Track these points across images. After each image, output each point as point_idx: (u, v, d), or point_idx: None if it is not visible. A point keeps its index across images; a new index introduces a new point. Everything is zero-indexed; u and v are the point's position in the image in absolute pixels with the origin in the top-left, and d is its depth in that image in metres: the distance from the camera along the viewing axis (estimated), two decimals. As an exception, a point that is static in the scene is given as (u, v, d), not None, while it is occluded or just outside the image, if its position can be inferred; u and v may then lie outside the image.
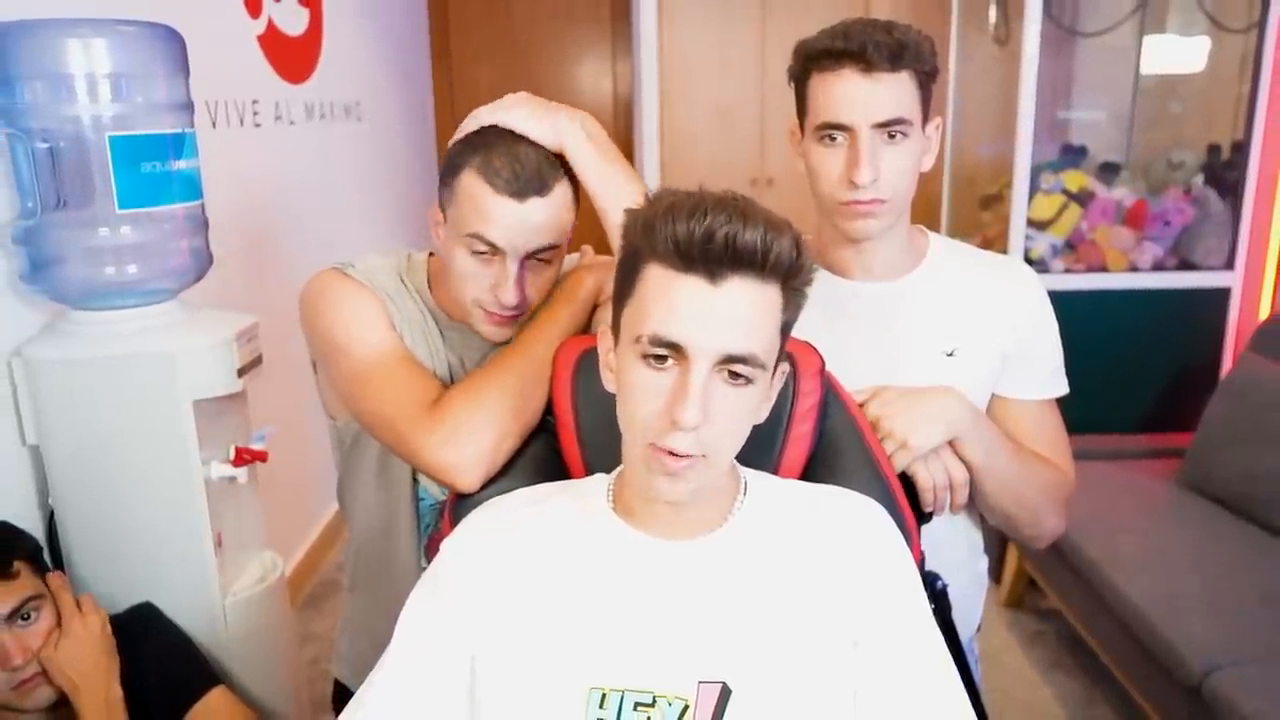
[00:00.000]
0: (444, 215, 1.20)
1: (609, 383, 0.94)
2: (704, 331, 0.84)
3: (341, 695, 1.45)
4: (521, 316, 1.20)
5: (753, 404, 0.89)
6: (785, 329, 0.90)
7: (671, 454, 0.85)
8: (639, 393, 0.87)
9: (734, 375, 0.85)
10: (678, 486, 0.87)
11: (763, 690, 0.88)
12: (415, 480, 1.31)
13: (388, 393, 1.16)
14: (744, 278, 0.84)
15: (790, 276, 0.87)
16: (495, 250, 1.14)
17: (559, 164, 1.16)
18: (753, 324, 0.85)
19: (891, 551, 0.96)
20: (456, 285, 1.20)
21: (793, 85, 1.26)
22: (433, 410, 1.12)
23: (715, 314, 0.84)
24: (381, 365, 1.18)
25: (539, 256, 1.16)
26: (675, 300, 0.84)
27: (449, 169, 1.17)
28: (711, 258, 0.83)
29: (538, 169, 1.13)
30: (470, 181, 1.13)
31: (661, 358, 0.85)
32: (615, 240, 1.04)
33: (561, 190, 1.16)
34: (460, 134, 1.19)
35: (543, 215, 1.14)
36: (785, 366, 0.96)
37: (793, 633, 0.90)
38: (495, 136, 1.14)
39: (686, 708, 0.87)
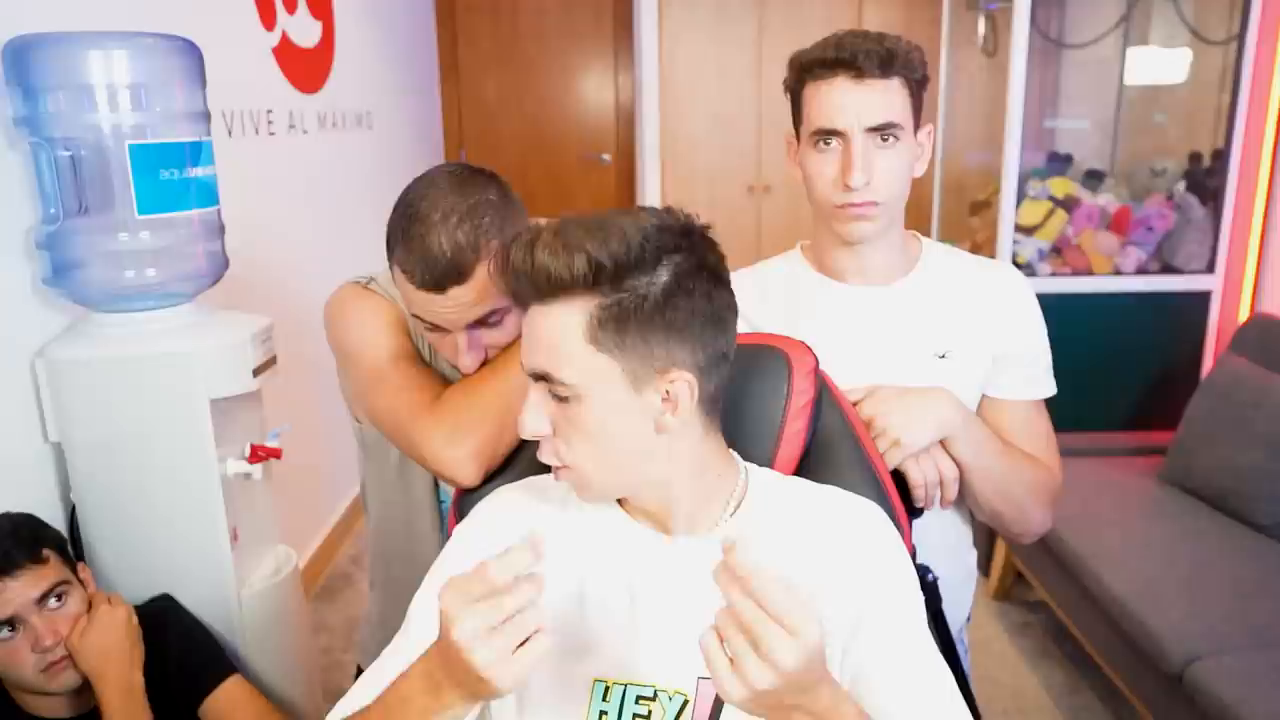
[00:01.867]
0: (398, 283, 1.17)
1: None
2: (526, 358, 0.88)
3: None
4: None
5: (588, 420, 0.86)
6: (605, 346, 0.84)
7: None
8: None
9: (555, 395, 0.87)
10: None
11: None
12: (436, 482, 1.32)
13: (398, 395, 1.17)
14: (539, 304, 0.86)
15: (582, 292, 0.84)
16: (439, 327, 1.14)
17: (480, 240, 1.08)
18: (549, 345, 0.86)
19: (888, 553, 0.95)
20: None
21: (788, 96, 1.26)
22: (434, 408, 1.13)
23: (528, 339, 0.88)
24: (394, 369, 1.20)
25: (486, 322, 1.13)
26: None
27: (388, 245, 1.12)
28: (520, 293, 0.87)
29: (452, 260, 1.06)
30: (397, 273, 1.12)
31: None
32: None
33: (483, 270, 1.08)
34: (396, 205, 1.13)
35: (469, 296, 1.09)
36: (675, 377, 0.87)
37: None
38: (412, 220, 1.08)
39: (686, 702, 0.87)
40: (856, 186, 1.17)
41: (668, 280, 0.84)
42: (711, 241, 0.89)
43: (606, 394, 0.85)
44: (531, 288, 0.84)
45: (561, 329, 0.84)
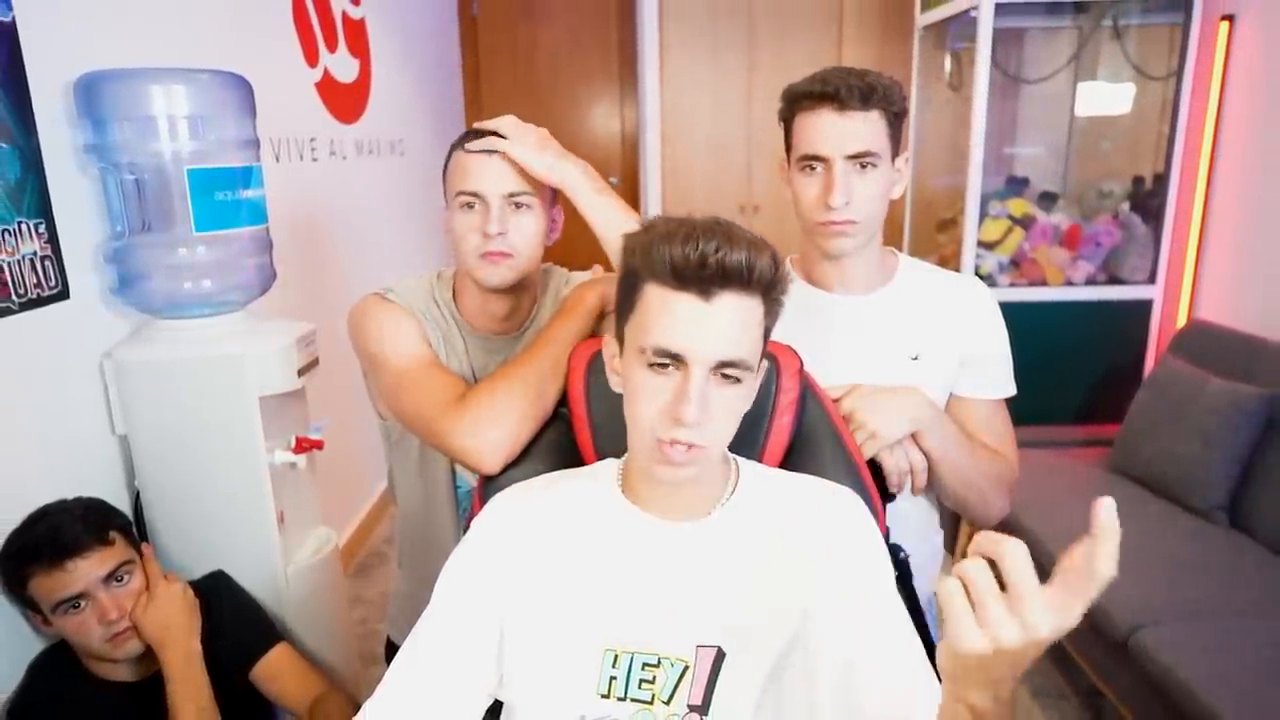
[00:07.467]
0: (445, 201, 1.25)
1: (615, 385, 0.94)
2: (700, 342, 0.83)
3: (393, 650, 1.46)
4: (512, 259, 1.21)
5: (743, 399, 0.89)
6: (767, 333, 0.90)
7: (675, 443, 0.84)
8: (645, 394, 0.86)
9: (726, 376, 0.85)
10: (679, 473, 0.87)
11: (752, 654, 0.87)
12: (454, 471, 1.31)
13: (421, 393, 1.17)
14: (732, 293, 0.83)
15: (770, 288, 0.86)
16: (477, 197, 1.19)
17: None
18: (741, 333, 0.84)
19: (864, 534, 0.94)
20: (457, 251, 1.24)
21: (781, 124, 1.25)
22: (458, 404, 1.13)
23: (709, 326, 0.83)
24: (415, 371, 1.19)
25: (514, 200, 1.20)
26: (673, 316, 0.84)
27: (446, 163, 1.25)
28: (704, 278, 0.82)
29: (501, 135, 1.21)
30: (454, 157, 1.23)
31: (664, 365, 0.85)
32: (615, 259, 1.05)
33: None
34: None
35: (509, 164, 1.20)
36: (765, 363, 0.95)
37: (778, 603, 0.89)
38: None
39: (686, 668, 0.87)
40: (836, 206, 1.17)
41: None
42: None
43: (753, 376, 0.89)
44: (735, 278, 0.83)
45: (754, 317, 0.86)
